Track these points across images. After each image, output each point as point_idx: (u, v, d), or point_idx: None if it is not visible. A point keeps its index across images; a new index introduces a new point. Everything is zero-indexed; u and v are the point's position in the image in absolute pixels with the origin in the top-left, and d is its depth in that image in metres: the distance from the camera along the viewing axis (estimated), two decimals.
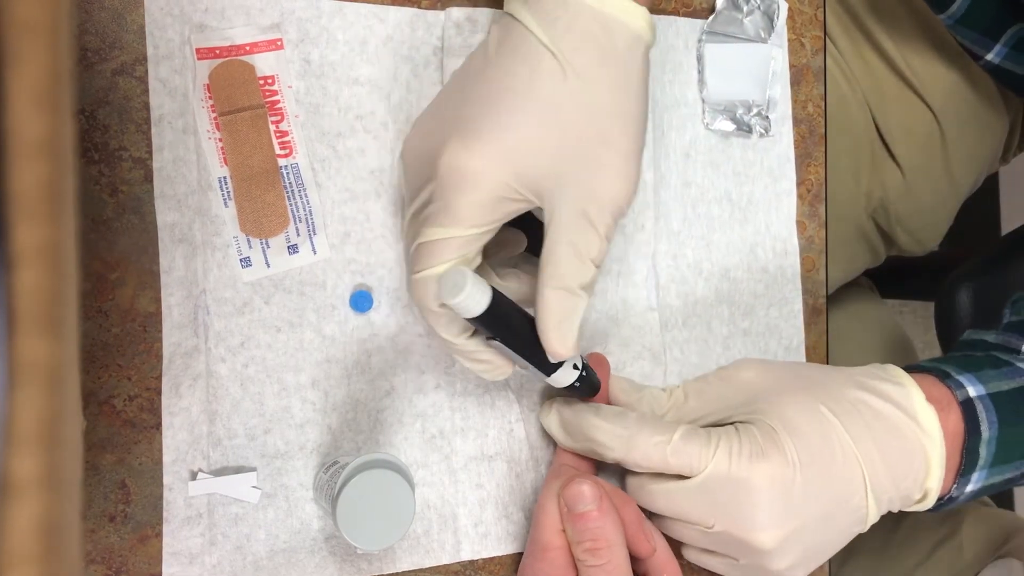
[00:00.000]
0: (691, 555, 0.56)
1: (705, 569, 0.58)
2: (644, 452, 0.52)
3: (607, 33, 0.46)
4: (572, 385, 0.52)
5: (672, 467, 0.52)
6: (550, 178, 0.46)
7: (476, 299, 0.43)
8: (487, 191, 0.45)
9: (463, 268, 0.44)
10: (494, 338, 0.48)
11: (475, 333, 0.49)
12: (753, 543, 0.51)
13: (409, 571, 0.56)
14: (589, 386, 0.54)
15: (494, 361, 0.49)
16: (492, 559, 0.58)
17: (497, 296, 0.45)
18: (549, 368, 0.50)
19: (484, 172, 0.44)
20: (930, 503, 0.55)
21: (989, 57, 0.80)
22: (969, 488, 0.56)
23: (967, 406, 0.55)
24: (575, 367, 0.52)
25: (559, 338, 0.47)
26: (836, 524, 0.53)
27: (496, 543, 0.57)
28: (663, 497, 0.53)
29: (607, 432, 0.53)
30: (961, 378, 0.56)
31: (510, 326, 0.47)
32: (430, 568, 0.56)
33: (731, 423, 0.54)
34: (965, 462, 0.55)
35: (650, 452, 0.52)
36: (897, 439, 0.53)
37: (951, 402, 0.55)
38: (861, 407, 0.53)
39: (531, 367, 0.50)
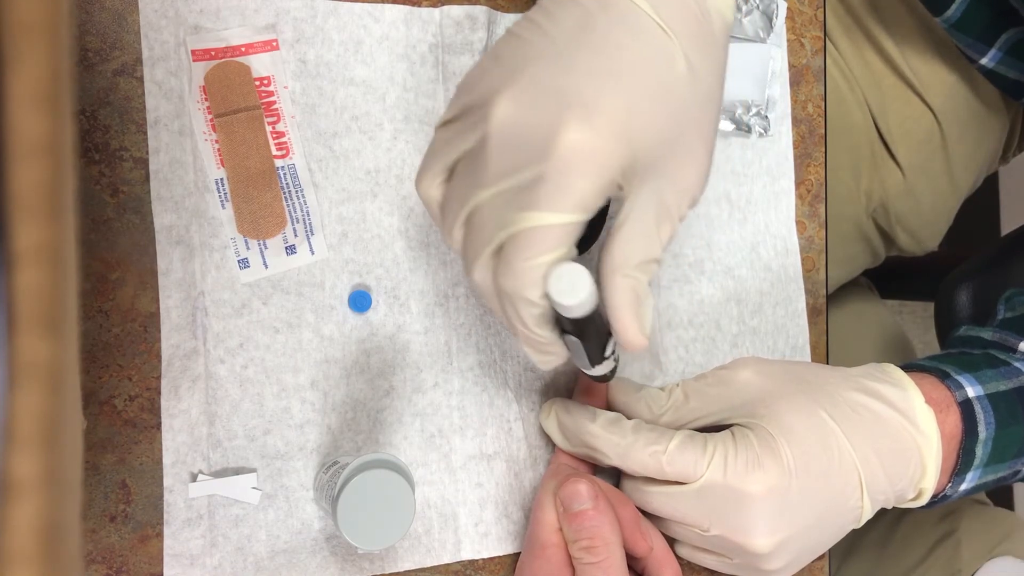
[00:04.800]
0: (685, 552, 0.56)
1: (701, 567, 0.58)
2: (640, 461, 0.52)
3: (707, 17, 0.44)
4: (603, 375, 0.51)
5: (668, 475, 0.52)
6: (648, 164, 0.43)
7: (591, 301, 0.42)
8: (606, 174, 0.42)
9: (581, 267, 0.42)
10: (575, 335, 0.45)
11: (554, 325, 0.46)
12: (748, 547, 0.51)
13: (410, 570, 0.56)
14: (613, 374, 0.53)
15: (561, 353, 0.47)
16: (492, 559, 0.58)
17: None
18: (599, 360, 0.49)
19: (606, 151, 0.41)
20: (924, 501, 0.56)
21: (984, 61, 0.80)
22: (963, 487, 0.56)
23: (965, 407, 0.55)
24: (615, 358, 0.50)
25: (639, 329, 0.45)
26: (831, 526, 0.53)
27: (496, 543, 0.57)
28: (659, 500, 0.53)
29: (604, 440, 0.53)
30: (960, 378, 0.56)
31: (594, 322, 0.45)
32: (431, 567, 0.56)
33: (728, 426, 0.54)
34: (961, 462, 0.55)
35: (646, 461, 0.52)
36: (895, 442, 0.53)
37: (950, 403, 0.55)
38: (860, 410, 0.53)
39: (586, 359, 0.48)
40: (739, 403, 0.54)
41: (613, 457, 0.53)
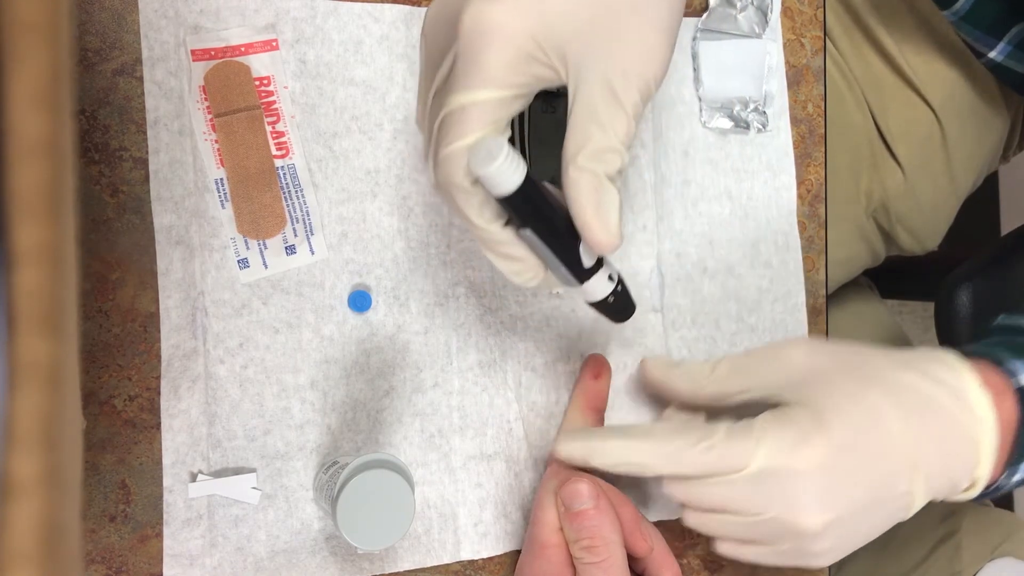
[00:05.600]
0: (725, 548, 0.53)
1: (701, 568, 0.58)
2: (692, 462, 0.50)
3: None
4: (605, 301, 0.48)
5: (720, 470, 0.50)
6: (577, 43, 0.42)
7: (510, 173, 0.39)
8: (515, 46, 0.41)
9: (498, 137, 0.40)
10: (526, 227, 0.43)
11: (508, 223, 0.44)
12: (799, 526, 0.49)
13: (410, 570, 0.56)
14: (624, 305, 0.49)
15: (526, 260, 0.45)
16: (492, 559, 0.58)
17: (532, 177, 0.41)
18: (583, 273, 0.46)
19: (511, 24, 0.40)
20: (977, 491, 0.53)
21: (992, 55, 0.80)
22: (1017, 477, 0.53)
23: (1021, 394, 0.52)
24: (610, 278, 0.47)
25: (602, 224, 0.42)
26: (881, 510, 0.51)
27: (495, 543, 0.57)
28: (711, 492, 0.51)
29: (646, 451, 0.51)
30: (1016, 364, 0.53)
31: (544, 213, 0.42)
32: (431, 567, 0.56)
33: (775, 403, 0.52)
34: (1017, 451, 0.52)
35: (698, 459, 0.50)
36: (949, 425, 0.50)
37: (1006, 389, 0.52)
38: (913, 392, 0.51)
39: (563, 270, 0.45)
40: (786, 381, 0.52)
41: (660, 465, 0.51)
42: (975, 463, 0.51)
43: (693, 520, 0.53)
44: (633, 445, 0.51)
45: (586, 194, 0.42)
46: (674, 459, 0.50)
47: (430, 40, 0.44)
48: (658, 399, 0.60)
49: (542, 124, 0.55)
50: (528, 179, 0.40)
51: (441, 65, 0.42)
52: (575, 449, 0.53)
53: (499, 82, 0.41)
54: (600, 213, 0.42)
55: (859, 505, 0.50)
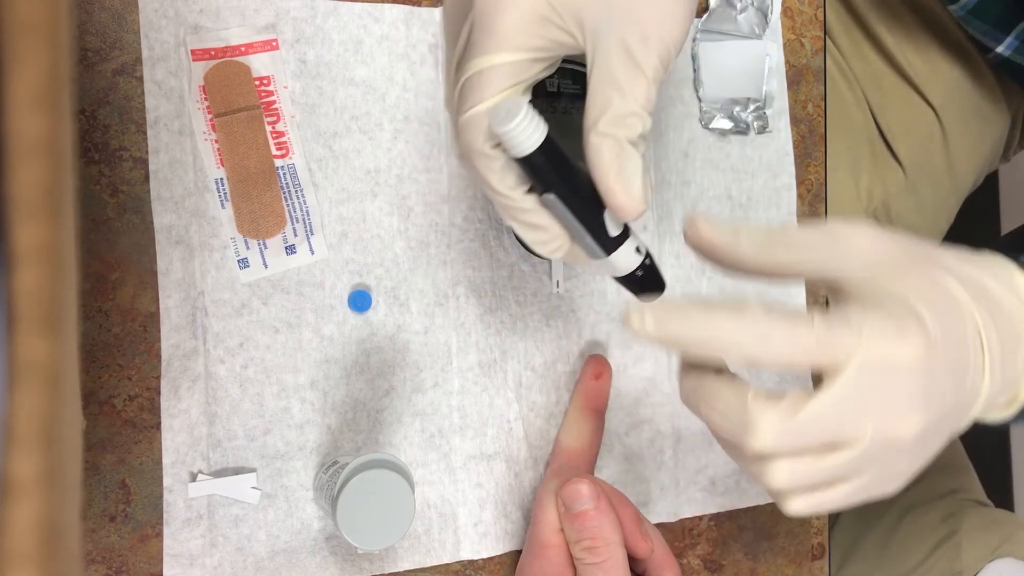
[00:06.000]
0: (801, 504, 0.44)
1: (702, 568, 0.58)
2: (789, 344, 0.42)
3: None
4: (634, 275, 0.46)
5: (816, 360, 0.42)
6: (593, 7, 0.41)
7: (530, 131, 0.39)
8: (529, 9, 0.41)
9: (518, 97, 0.40)
10: (549, 192, 0.42)
11: (531, 190, 0.43)
12: (895, 434, 0.43)
13: (410, 570, 0.56)
14: (653, 280, 0.47)
15: (550, 228, 0.43)
16: (492, 559, 0.58)
17: (554, 140, 0.40)
18: (609, 243, 0.44)
19: None
20: (1015, 410, 0.48)
21: (999, 49, 0.79)
22: None
23: None
24: (638, 250, 0.45)
25: (624, 189, 0.41)
26: (953, 417, 0.45)
27: (495, 542, 0.57)
28: (811, 417, 0.42)
29: (735, 327, 0.42)
30: None
31: (566, 177, 0.41)
32: (431, 567, 0.56)
33: (848, 291, 0.46)
34: None
35: (795, 344, 0.42)
36: (1008, 325, 0.46)
37: None
38: (980, 286, 0.46)
39: (588, 239, 0.43)
40: (854, 265, 0.46)
41: (749, 344, 0.42)
42: (1021, 373, 0.46)
43: (786, 472, 0.43)
44: (720, 319, 0.42)
45: (608, 159, 0.41)
46: (768, 339, 0.42)
47: (449, 17, 0.44)
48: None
49: None
50: (549, 140, 0.40)
51: (460, 33, 0.42)
52: (648, 321, 0.43)
53: (514, 45, 0.41)
54: (622, 178, 0.41)
55: (947, 407, 0.44)
